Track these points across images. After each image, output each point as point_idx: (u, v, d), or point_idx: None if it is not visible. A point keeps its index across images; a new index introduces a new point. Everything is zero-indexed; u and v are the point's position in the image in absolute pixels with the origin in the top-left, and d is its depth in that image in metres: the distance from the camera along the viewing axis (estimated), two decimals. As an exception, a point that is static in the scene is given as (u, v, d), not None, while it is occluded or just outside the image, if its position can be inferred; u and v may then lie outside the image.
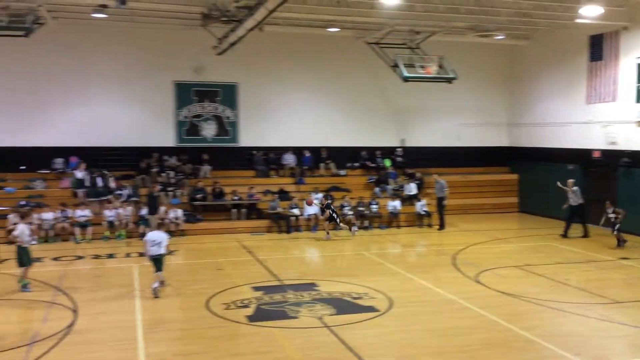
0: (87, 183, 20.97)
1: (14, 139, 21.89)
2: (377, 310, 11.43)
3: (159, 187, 20.91)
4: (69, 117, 22.66)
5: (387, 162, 25.71)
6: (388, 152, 26.18)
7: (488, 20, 21.22)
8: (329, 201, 20.54)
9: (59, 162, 22.22)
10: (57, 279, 14.02)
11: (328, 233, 19.87)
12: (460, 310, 11.60)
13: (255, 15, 16.78)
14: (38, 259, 16.35)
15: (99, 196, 20.68)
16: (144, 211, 19.74)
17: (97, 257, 17.02)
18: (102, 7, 18.08)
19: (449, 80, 22.46)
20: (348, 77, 25.74)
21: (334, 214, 20.00)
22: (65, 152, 22.37)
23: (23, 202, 19.90)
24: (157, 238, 12.73)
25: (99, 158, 22.26)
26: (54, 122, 22.44)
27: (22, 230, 13.22)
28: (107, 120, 23.00)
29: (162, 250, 12.66)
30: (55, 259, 16.58)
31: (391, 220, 22.57)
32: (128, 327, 10.52)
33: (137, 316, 11.19)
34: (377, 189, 24.28)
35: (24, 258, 13.13)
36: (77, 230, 19.02)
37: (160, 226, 13.91)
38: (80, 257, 16.96)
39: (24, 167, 21.85)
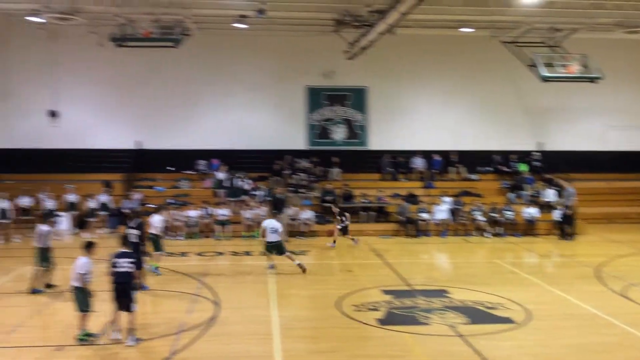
0: (227, 184, 22.23)
1: (164, 142, 23.86)
2: (513, 322, 10.96)
3: (283, 189, 21.68)
4: (211, 121, 24.26)
5: (523, 167, 24.58)
6: (523, 155, 25.01)
7: (637, 15, 19.56)
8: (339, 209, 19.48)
9: (202, 163, 23.81)
10: (200, 273, 15.00)
11: (353, 239, 19.01)
12: (605, 326, 10.80)
13: (387, 19, 16.85)
14: (183, 254, 17.70)
15: (237, 196, 21.84)
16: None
17: (235, 253, 17.97)
18: (242, 18, 19.15)
19: (593, 80, 21.00)
20: (481, 78, 24.99)
21: (344, 222, 18.91)
22: (207, 154, 23.90)
23: (171, 201, 21.56)
24: (275, 225, 14.51)
25: (237, 160, 23.52)
26: (198, 127, 24.16)
27: (156, 220, 14.52)
28: (245, 124, 24.32)
29: (279, 237, 14.39)
30: (199, 254, 17.74)
31: (527, 228, 21.51)
32: (264, 322, 11.00)
33: (272, 312, 11.66)
34: (511, 195, 23.28)
35: (157, 245, 14.34)
36: (218, 228, 20.21)
37: (274, 215, 15.74)
38: (220, 253, 18.00)
39: (171, 168, 23.65)
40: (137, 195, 21.16)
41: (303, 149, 24.88)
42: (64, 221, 20.95)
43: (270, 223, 14.66)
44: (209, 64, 24.03)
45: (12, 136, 23.34)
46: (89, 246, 10.03)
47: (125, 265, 9.79)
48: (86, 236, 18.99)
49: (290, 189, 22.36)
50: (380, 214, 22.06)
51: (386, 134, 25.12)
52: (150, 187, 22.96)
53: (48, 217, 18.77)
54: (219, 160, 23.49)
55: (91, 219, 20.43)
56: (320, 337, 10.38)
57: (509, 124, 25.33)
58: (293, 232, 19.99)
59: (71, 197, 20.49)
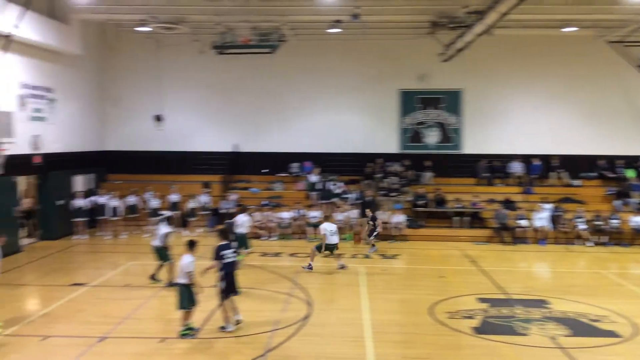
0: (319, 186, 22.53)
1: (259, 145, 24.57)
2: (619, 336, 10.36)
3: (375, 192, 21.64)
4: (304, 125, 24.70)
5: (631, 173, 23.08)
6: (631, 161, 23.49)
7: None
8: (373, 214, 19.10)
9: (295, 166, 24.31)
10: (293, 273, 15.32)
11: (374, 245, 18.64)
12: None
13: (486, 20, 16.42)
14: (277, 254, 18.15)
15: (328, 199, 22.09)
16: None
17: (326, 256, 18.14)
18: (337, 23, 19.38)
19: None
20: (585, 79, 23.75)
21: (375, 228, 18.61)
22: (300, 157, 24.36)
23: (265, 202, 22.17)
24: (333, 228, 15.59)
25: (329, 163, 23.79)
26: (292, 130, 24.68)
27: (242, 220, 15.45)
28: (337, 128, 24.53)
29: (338, 239, 15.58)
30: (292, 254, 18.11)
31: (634, 238, 20.17)
32: (357, 325, 11.08)
33: (364, 315, 11.71)
34: (617, 202, 21.92)
35: (243, 242, 15.20)
36: (310, 230, 20.53)
37: (327, 218, 16.55)
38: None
39: (266, 170, 24.34)
40: (233, 196, 21.95)
41: (395, 153, 24.74)
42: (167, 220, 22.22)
43: (329, 226, 15.62)
44: (304, 69, 24.48)
45: (122, 139, 24.90)
46: (191, 244, 10.56)
47: (230, 255, 10.72)
48: (186, 235, 19.96)
49: (382, 192, 22.29)
50: (475, 219, 21.50)
51: (481, 138, 24.46)
52: (246, 188, 23.73)
53: (153, 215, 20.13)
54: (312, 163, 23.87)
55: (192, 218, 21.41)
56: (413, 343, 10.31)
57: (615, 127, 23.87)
58: (385, 235, 19.91)
59: (174, 197, 21.58)
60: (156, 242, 13.57)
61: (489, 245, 20.14)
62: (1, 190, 16.99)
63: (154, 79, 24.49)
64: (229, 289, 10.63)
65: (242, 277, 14.00)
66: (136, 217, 21.27)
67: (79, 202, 20.46)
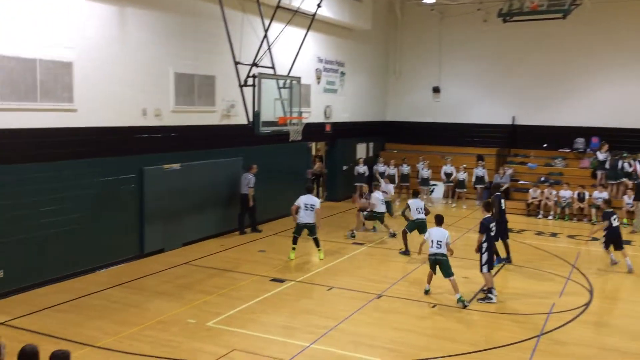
0: (607, 165, 20.39)
1: (540, 117, 23.18)
2: None
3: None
4: (593, 97, 22.45)
5: None
6: None
7: None
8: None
9: (580, 142, 22.37)
10: (573, 256, 14.31)
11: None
12: None
13: None
14: (554, 234, 17.15)
15: (617, 179, 19.90)
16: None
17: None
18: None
19: None
20: None
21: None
22: (587, 132, 22.32)
23: (542, 179, 21.00)
24: (420, 205, 14.36)
25: (620, 139, 21.33)
26: (578, 102, 22.65)
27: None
28: (632, 100, 21.72)
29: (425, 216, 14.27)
30: (570, 236, 16.91)
31: None
32: (644, 320, 9.98)
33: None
34: None
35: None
36: (593, 212, 18.84)
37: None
38: (594, 239, 16.76)
39: (546, 145, 22.93)
40: (509, 171, 21.24)
41: None
42: (438, 190, 22.70)
43: (416, 203, 14.40)
44: (597, 35, 22.06)
45: (401, 110, 25.95)
46: (439, 219, 11.07)
47: (493, 228, 10.94)
48: (454, 206, 20.09)
49: None
50: None
51: None
52: (523, 163, 22.73)
53: (422, 184, 20.87)
54: (600, 138, 21.63)
55: (461, 190, 21.45)
56: None
57: None
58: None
59: (448, 169, 21.84)
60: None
61: None
62: (298, 153, 19.33)
63: (434, 52, 24.87)
64: (490, 261, 10.77)
65: (517, 255, 13.73)
66: (407, 185, 22.07)
67: (360, 169, 22.10)
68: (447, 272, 10.64)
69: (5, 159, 10.39)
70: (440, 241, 10.68)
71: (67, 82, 11.36)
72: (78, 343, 8.43)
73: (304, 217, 13.29)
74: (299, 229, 13.40)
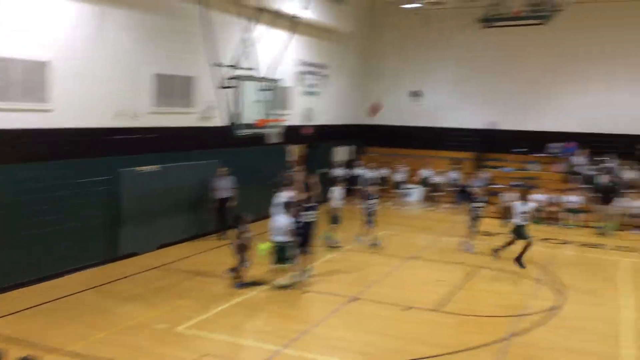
0: (581, 170, 20.70)
1: (515, 123, 23.43)
2: None
3: (608, 177, 19.18)
4: (570, 102, 22.79)
5: None
6: None
7: None
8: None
9: (555, 146, 22.63)
10: (544, 260, 14.54)
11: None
12: None
13: None
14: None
15: (591, 183, 20.27)
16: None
17: (583, 244, 16.84)
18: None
19: None
20: None
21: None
22: (562, 137, 22.64)
23: (515, 183, 21.28)
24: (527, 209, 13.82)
25: (596, 144, 21.69)
26: (553, 108, 22.98)
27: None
28: (607, 105, 22.12)
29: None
30: (544, 239, 17.17)
31: None
32: (612, 323, 10.20)
33: (622, 313, 10.70)
34: None
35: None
36: (566, 216, 19.14)
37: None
38: (565, 242, 17.08)
39: (524, 149, 23.13)
40: (485, 175, 21.50)
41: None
42: (415, 194, 22.88)
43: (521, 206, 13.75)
44: (574, 40, 22.37)
45: (380, 113, 25.99)
46: None
47: None
48: (430, 209, 20.27)
49: (608, 177, 19.66)
50: None
51: None
52: (498, 167, 23.00)
53: (398, 188, 21.06)
54: (576, 144, 21.99)
55: (438, 194, 21.65)
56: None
57: None
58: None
59: (425, 172, 22.06)
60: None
61: None
62: (275, 156, 19.31)
63: (415, 55, 25.04)
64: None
65: (487, 257, 13.91)
66: (384, 188, 22.21)
67: (338, 172, 22.20)
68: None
69: (-24, 161, 10.28)
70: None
71: (43, 81, 11.28)
72: (46, 348, 8.38)
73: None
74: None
